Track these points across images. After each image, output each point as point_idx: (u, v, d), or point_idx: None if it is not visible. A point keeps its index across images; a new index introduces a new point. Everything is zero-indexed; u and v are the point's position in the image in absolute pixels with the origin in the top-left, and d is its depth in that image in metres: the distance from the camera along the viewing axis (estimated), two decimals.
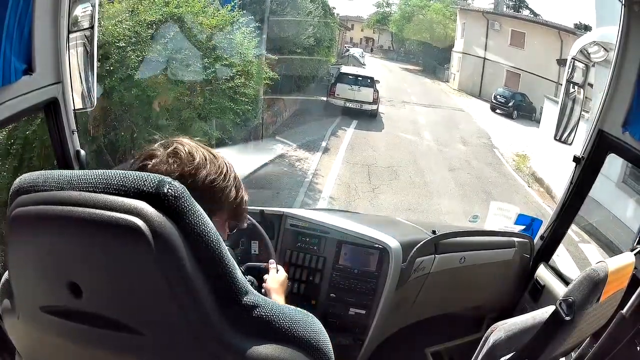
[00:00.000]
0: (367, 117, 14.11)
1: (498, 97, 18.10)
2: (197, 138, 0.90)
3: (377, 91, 14.71)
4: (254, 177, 7.96)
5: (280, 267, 1.39)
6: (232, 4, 7.70)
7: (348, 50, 23.72)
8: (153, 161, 0.82)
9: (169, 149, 0.83)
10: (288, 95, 12.45)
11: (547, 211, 9.02)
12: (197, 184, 0.81)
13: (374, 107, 14.48)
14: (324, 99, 14.68)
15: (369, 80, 14.69)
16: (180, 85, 6.60)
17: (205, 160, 0.84)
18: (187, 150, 0.84)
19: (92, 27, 1.58)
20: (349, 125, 13.19)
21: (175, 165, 0.81)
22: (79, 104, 1.62)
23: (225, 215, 0.88)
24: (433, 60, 24.37)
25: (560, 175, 8.84)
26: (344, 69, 16.06)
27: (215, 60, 6.89)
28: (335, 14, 18.03)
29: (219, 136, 7.24)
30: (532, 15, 20.99)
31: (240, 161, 6.85)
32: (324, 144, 11.31)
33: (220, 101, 6.93)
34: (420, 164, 10.72)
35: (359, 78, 14.76)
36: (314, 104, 14.32)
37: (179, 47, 6.51)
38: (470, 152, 12.54)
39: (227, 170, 0.87)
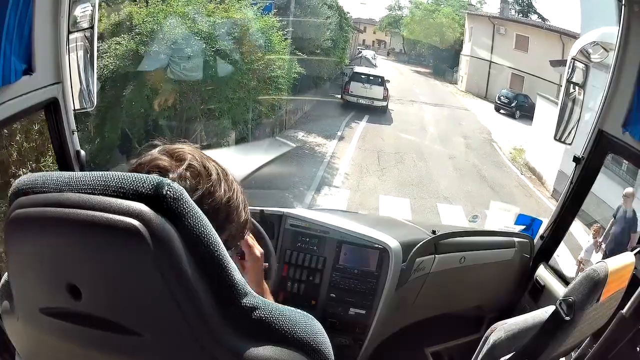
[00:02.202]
0: (378, 113, 15.50)
1: (502, 98, 18.85)
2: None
3: (387, 89, 16.01)
4: (279, 161, 9.41)
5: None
6: (271, 12, 9.94)
7: (360, 52, 24.42)
8: (170, 176, 0.70)
9: (182, 164, 0.73)
10: (305, 95, 14.00)
11: (535, 193, 10.46)
12: (215, 203, 0.73)
13: (384, 103, 15.89)
14: (339, 96, 16.33)
15: (379, 79, 16.07)
16: (240, 73, 8.73)
17: (219, 175, 0.75)
18: (202, 164, 0.74)
19: (92, 27, 1.58)
20: (361, 119, 14.70)
21: (194, 182, 0.72)
22: (78, 104, 1.63)
23: (227, 235, 0.77)
24: (443, 63, 24.85)
25: (549, 164, 10.27)
26: (357, 69, 17.32)
27: (262, 55, 9.08)
28: (349, 17, 19.11)
29: (264, 110, 9.78)
30: (540, 20, 21.37)
31: (262, 153, 8.73)
32: (339, 133, 12.94)
33: (267, 86, 9.22)
34: (424, 152, 12.10)
35: (371, 77, 16.16)
36: (330, 100, 16.19)
37: (237, 44, 8.65)
38: (470, 144, 13.85)
39: (236, 186, 0.78)
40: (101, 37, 8.23)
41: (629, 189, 5.65)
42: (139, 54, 7.99)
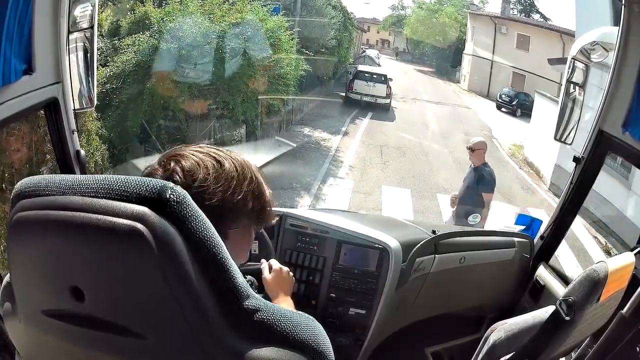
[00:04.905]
0: (381, 110, 16.01)
1: (503, 96, 19.25)
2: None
3: (390, 87, 16.59)
4: (284, 159, 10.02)
5: (274, 263, 1.29)
6: (279, 13, 10.74)
7: (364, 52, 24.96)
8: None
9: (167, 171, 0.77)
10: (311, 92, 14.64)
11: (532, 186, 11.03)
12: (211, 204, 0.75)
13: (387, 101, 16.48)
14: (343, 94, 16.95)
15: (382, 78, 16.57)
16: (253, 68, 9.47)
17: (209, 175, 0.77)
18: (186, 168, 0.77)
19: (92, 27, 1.57)
20: (365, 116, 15.33)
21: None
22: (78, 104, 1.62)
23: (247, 222, 0.82)
24: (445, 62, 25.38)
25: (546, 159, 10.72)
26: (361, 67, 17.82)
27: (273, 52, 9.81)
28: (353, 17, 19.68)
29: (275, 104, 10.79)
30: (542, 20, 21.56)
31: (262, 153, 9.11)
32: (344, 129, 13.58)
33: (276, 82, 10.03)
34: (425, 147, 12.73)
35: (374, 75, 16.65)
36: (335, 98, 16.92)
37: (250, 42, 9.35)
38: (470, 140, 13.48)
39: (237, 181, 0.79)
40: (116, 34, 9.06)
41: (474, 139, 4.68)
42: (159, 50, 8.71)
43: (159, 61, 8.68)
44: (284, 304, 1.18)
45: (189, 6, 9.09)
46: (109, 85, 8.30)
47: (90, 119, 6.62)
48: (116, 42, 8.82)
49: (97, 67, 7.98)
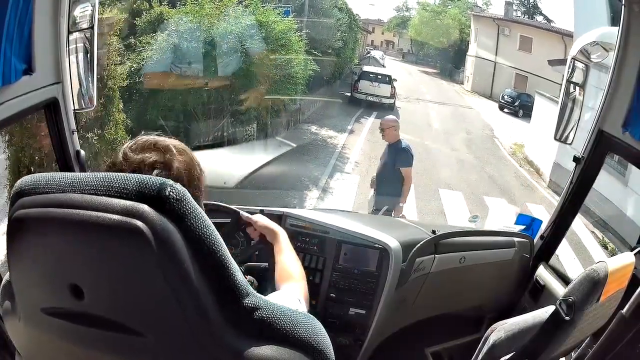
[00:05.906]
0: (386, 110, 16.12)
1: (505, 97, 19.57)
2: None
3: (394, 87, 16.92)
4: (290, 158, 10.30)
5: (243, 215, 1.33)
6: (289, 16, 11.39)
7: (369, 53, 25.21)
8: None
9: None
10: (318, 91, 14.98)
11: (532, 183, 11.28)
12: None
13: (392, 100, 16.84)
14: (348, 94, 17.32)
15: (387, 78, 16.94)
16: (265, 67, 9.87)
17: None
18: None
19: (92, 27, 1.58)
20: (370, 115, 15.66)
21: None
22: (78, 104, 1.62)
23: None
24: (449, 63, 25.72)
25: (546, 157, 10.91)
26: (366, 68, 18.26)
27: (284, 53, 10.35)
28: (358, 19, 19.96)
29: (286, 101, 11.17)
30: (545, 21, 21.71)
31: (263, 153, 9.66)
32: (349, 127, 14.03)
33: (286, 81, 10.36)
34: (428, 145, 12.98)
35: (379, 76, 17.02)
36: (340, 98, 17.18)
37: (263, 43, 9.88)
38: (472, 139, 14.76)
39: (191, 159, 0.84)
40: (132, 32, 9.33)
41: (385, 118, 4.59)
42: (177, 49, 9.20)
43: (176, 59, 9.15)
44: (284, 243, 1.25)
45: (205, 8, 9.47)
46: (129, 80, 8.66)
47: (117, 110, 6.82)
48: (132, 40, 9.12)
49: (121, 62, 8.17)
